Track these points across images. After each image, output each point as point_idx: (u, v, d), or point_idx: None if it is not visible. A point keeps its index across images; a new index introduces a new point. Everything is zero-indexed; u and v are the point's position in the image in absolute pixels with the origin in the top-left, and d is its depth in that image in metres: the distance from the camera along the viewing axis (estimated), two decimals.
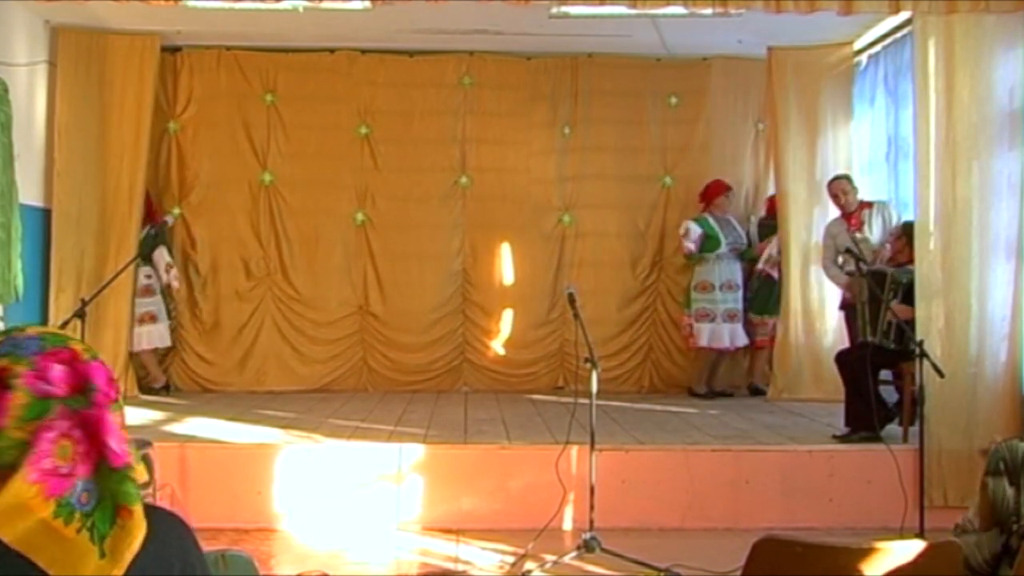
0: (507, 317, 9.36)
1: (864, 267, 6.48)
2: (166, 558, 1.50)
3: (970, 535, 2.60)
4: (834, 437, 6.51)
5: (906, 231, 6.87)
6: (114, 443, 1.46)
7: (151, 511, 1.51)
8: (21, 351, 1.46)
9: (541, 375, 9.35)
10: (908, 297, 6.38)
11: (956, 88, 6.19)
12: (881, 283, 6.59)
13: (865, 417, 6.22)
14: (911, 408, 6.29)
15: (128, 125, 8.50)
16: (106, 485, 1.44)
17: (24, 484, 1.39)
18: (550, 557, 5.06)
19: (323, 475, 5.88)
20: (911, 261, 6.59)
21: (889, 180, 8.13)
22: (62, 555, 1.39)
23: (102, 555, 1.41)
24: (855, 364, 6.56)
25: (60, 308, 7.96)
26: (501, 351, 9.36)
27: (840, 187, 7.68)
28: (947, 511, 5.40)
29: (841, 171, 8.30)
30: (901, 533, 5.26)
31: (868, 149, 8.57)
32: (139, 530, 1.44)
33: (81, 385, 1.47)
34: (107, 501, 1.44)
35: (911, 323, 6.15)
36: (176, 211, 9.07)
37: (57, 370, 1.46)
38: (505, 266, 9.41)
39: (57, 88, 8.29)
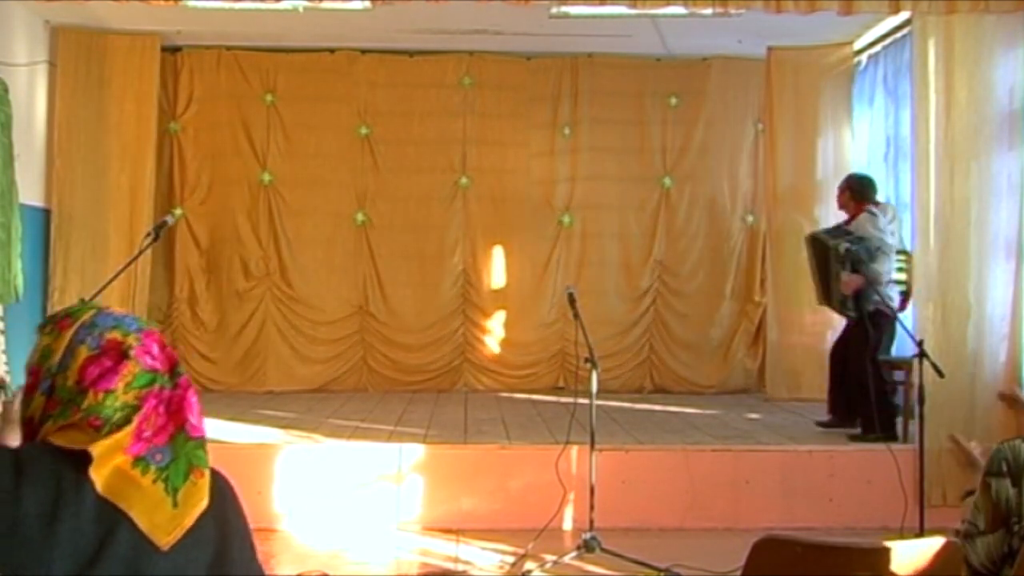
0: (507, 317, 9.37)
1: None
2: (222, 512, 1.65)
3: (973, 537, 2.60)
4: (850, 438, 6.48)
5: (849, 184, 6.96)
6: (193, 419, 1.65)
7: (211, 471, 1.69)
8: (126, 326, 1.67)
9: (541, 375, 9.36)
10: (856, 266, 6.44)
11: (955, 88, 6.19)
12: (824, 252, 6.62)
13: (878, 420, 6.24)
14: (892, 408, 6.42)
15: (128, 125, 8.52)
16: (181, 449, 1.61)
17: (128, 436, 1.57)
18: (550, 557, 5.06)
19: (323, 475, 5.88)
20: (857, 214, 6.66)
21: (888, 180, 8.12)
22: (140, 500, 1.55)
23: (175, 505, 1.57)
24: (859, 372, 6.48)
25: (60, 308, 7.96)
26: (501, 351, 9.36)
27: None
28: (947, 511, 5.41)
29: (842, 171, 8.36)
30: (901, 533, 5.26)
31: (867, 149, 8.57)
32: (207, 491, 1.61)
33: (172, 367, 1.67)
34: (181, 460, 1.60)
35: (862, 292, 6.25)
36: (177, 211, 9.07)
37: (156, 348, 1.66)
38: (505, 267, 9.42)
39: (57, 88, 8.31)
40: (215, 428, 6.62)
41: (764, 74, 8.87)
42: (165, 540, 1.55)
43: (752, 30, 8.04)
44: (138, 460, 1.57)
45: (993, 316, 6.16)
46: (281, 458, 5.92)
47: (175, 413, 1.64)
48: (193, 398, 1.67)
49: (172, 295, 9.16)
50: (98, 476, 1.54)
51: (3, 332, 7.29)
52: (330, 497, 5.83)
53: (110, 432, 1.57)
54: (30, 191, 7.85)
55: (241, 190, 9.25)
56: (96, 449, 1.55)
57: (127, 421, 1.59)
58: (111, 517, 1.54)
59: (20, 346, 7.50)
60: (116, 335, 1.64)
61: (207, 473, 1.63)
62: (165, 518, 1.55)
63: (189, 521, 1.57)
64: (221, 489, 1.67)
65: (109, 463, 1.55)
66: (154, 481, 1.56)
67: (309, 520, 5.77)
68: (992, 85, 6.22)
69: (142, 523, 1.54)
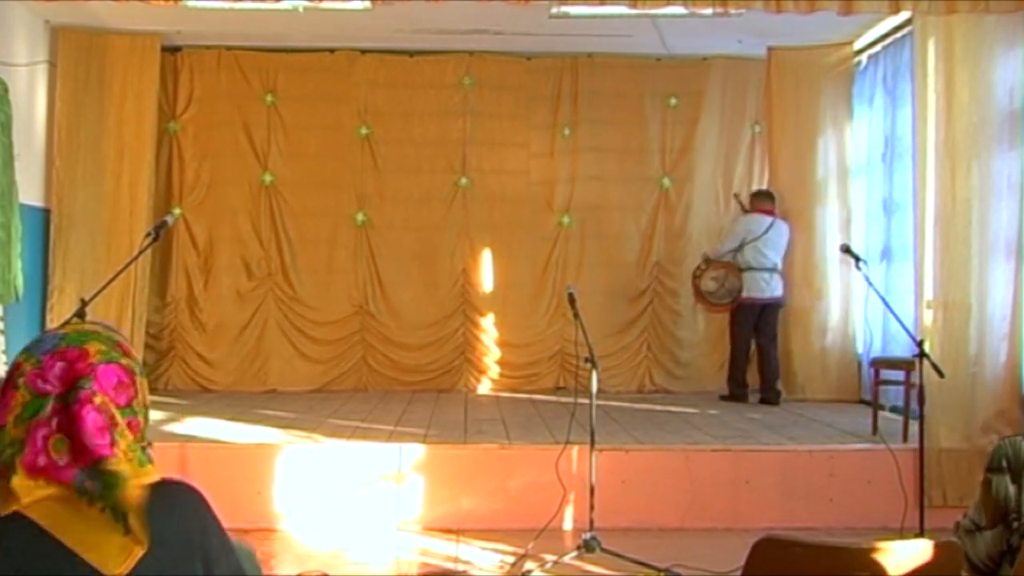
0: (507, 317, 9.36)
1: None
2: (184, 527, 1.55)
3: (973, 533, 2.60)
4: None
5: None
6: (88, 439, 1.50)
7: (165, 485, 1.56)
8: (36, 349, 1.55)
9: (541, 375, 9.36)
10: None
11: (956, 88, 6.19)
12: None
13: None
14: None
15: (128, 125, 8.52)
16: (104, 476, 1.49)
17: (25, 480, 1.45)
18: (550, 557, 5.06)
19: (323, 475, 5.88)
20: None
21: (885, 180, 8.13)
22: (87, 532, 1.45)
23: (127, 532, 1.47)
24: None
25: (60, 308, 7.96)
26: (501, 351, 9.36)
27: None
28: (947, 511, 5.40)
29: (842, 171, 8.46)
30: (901, 533, 5.26)
31: (866, 149, 8.58)
32: (143, 510, 1.49)
33: (72, 382, 1.51)
34: (112, 487, 1.49)
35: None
36: (176, 211, 9.07)
37: (57, 368, 1.52)
38: (505, 267, 9.41)
39: (57, 88, 8.31)
40: (215, 428, 6.63)
41: (764, 74, 8.88)
42: (117, 571, 1.45)
43: (752, 30, 8.04)
44: (74, 490, 1.47)
45: (993, 316, 6.16)
46: (281, 458, 5.91)
47: (75, 436, 1.49)
48: (88, 415, 1.50)
49: (170, 295, 9.15)
50: (27, 509, 1.44)
51: (3, 332, 7.29)
52: (330, 497, 5.83)
53: (5, 473, 1.47)
54: (30, 191, 7.85)
55: (241, 190, 9.25)
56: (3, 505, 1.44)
57: (12, 461, 1.47)
58: (54, 554, 1.45)
59: (20, 346, 7.50)
60: (19, 360, 1.54)
61: (138, 488, 1.51)
62: (116, 547, 1.46)
63: (143, 548, 1.47)
64: (176, 502, 1.56)
65: (40, 491, 1.46)
66: (103, 510, 1.47)
67: (309, 520, 5.76)
68: (992, 85, 6.21)
69: (91, 557, 1.45)
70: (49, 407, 1.50)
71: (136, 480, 1.51)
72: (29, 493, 1.45)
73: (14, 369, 1.53)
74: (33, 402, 1.50)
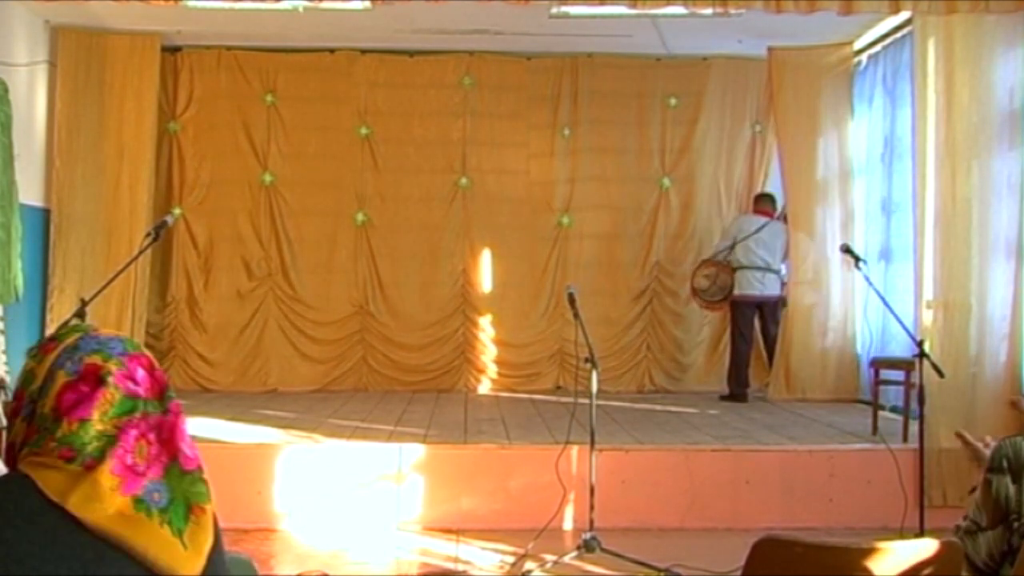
0: (507, 317, 9.36)
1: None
2: (220, 555, 1.56)
3: (974, 534, 2.60)
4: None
5: None
6: (186, 448, 1.54)
7: None
8: (109, 350, 1.55)
9: (541, 375, 9.36)
10: None
11: (956, 88, 6.19)
12: None
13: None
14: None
15: (128, 125, 8.52)
16: (177, 486, 1.50)
17: (107, 475, 1.45)
18: (550, 557, 5.05)
19: (323, 475, 5.88)
20: None
21: (885, 180, 8.13)
22: (152, 538, 1.45)
23: (185, 547, 1.46)
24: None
25: (60, 308, 7.96)
26: (501, 351, 9.36)
27: None
28: (947, 511, 5.41)
29: (843, 171, 8.44)
30: (901, 533, 5.26)
31: (866, 149, 8.58)
32: (211, 527, 1.51)
33: (160, 392, 1.57)
34: (179, 500, 1.50)
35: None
36: (176, 211, 9.07)
37: (141, 373, 1.55)
38: (505, 267, 9.41)
39: (57, 88, 8.31)
40: (215, 428, 6.62)
41: (764, 74, 8.89)
42: (191, 572, 1.45)
43: (752, 30, 8.04)
44: (138, 502, 1.46)
45: (994, 316, 6.16)
46: (281, 458, 5.91)
47: (167, 441, 1.52)
48: (183, 424, 1.56)
49: (170, 295, 9.15)
50: (89, 515, 1.43)
51: (3, 332, 7.29)
52: (330, 497, 5.83)
53: (83, 463, 1.45)
54: (30, 191, 7.85)
55: (241, 190, 9.25)
56: (74, 498, 1.43)
57: (102, 454, 1.46)
58: (112, 559, 1.43)
59: (20, 346, 7.50)
60: (96, 359, 1.53)
61: (208, 509, 1.52)
62: (181, 559, 1.45)
63: (201, 562, 1.47)
64: (219, 532, 1.56)
65: (101, 506, 1.44)
66: (161, 524, 1.46)
67: (309, 520, 5.76)
68: (992, 85, 6.22)
69: (161, 559, 1.44)
70: (140, 410, 1.52)
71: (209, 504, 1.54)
72: (89, 506, 1.44)
73: (94, 367, 1.52)
74: (124, 401, 1.51)
